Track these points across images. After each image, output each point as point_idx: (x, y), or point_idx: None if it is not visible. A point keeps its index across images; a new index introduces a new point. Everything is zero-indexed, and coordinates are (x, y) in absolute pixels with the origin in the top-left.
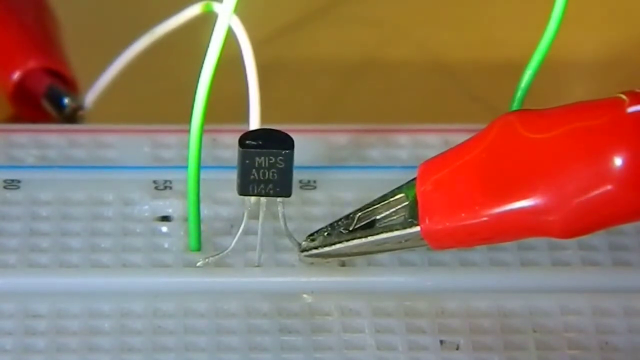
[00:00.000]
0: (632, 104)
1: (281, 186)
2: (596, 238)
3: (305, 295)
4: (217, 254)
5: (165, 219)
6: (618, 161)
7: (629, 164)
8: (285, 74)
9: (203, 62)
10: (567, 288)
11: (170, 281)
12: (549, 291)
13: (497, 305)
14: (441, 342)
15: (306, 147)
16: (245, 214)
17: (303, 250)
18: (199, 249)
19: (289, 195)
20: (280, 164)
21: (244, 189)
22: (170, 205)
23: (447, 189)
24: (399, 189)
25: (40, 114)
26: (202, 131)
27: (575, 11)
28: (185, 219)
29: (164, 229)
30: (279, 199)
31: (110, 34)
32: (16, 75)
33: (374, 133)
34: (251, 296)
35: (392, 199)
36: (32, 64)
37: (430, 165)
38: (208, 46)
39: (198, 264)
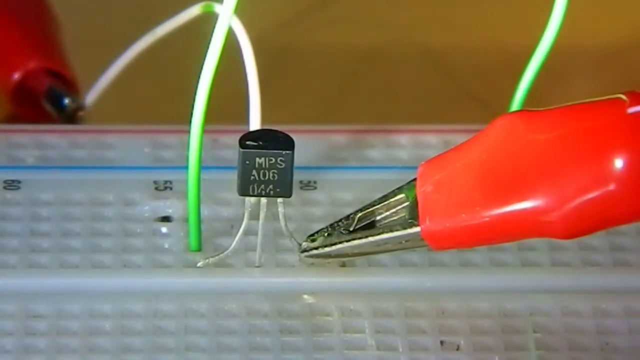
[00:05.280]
0: (632, 104)
1: (281, 187)
2: (596, 239)
3: (305, 296)
4: (218, 255)
5: (166, 219)
6: (619, 162)
7: (630, 164)
8: (285, 74)
9: (203, 62)
10: (567, 288)
11: (170, 282)
12: (550, 292)
13: (497, 305)
14: (441, 342)
15: (306, 147)
16: (246, 215)
17: (303, 251)
18: (199, 249)
19: (289, 195)
20: (281, 165)
21: (244, 190)
22: (170, 205)
23: (448, 190)
24: (399, 190)
25: (40, 114)
26: (203, 131)
27: (576, 10)
28: (186, 220)
29: (165, 229)
30: (279, 200)
31: (110, 34)
32: (17, 76)
33: (374, 133)
34: (252, 297)
35: (392, 200)
36: (32, 64)
37: (431, 165)
38: (208, 46)
39: (198, 264)
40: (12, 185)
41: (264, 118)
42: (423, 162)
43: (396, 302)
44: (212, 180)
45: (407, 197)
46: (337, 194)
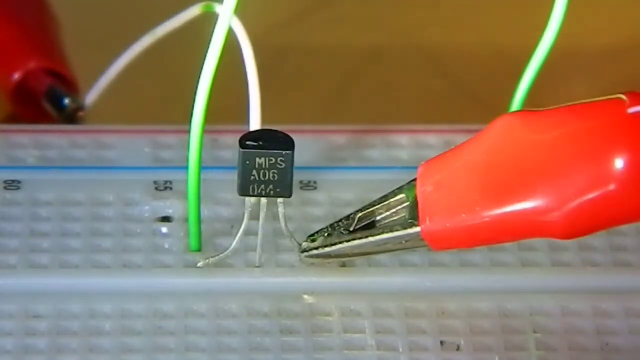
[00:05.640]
0: (632, 104)
1: (281, 187)
2: (596, 239)
3: (305, 296)
4: (218, 255)
5: (166, 219)
6: (619, 162)
7: (630, 164)
8: (285, 74)
9: (203, 62)
10: (567, 289)
11: (170, 282)
12: (550, 292)
13: (497, 305)
14: (441, 342)
15: (306, 147)
16: (246, 215)
17: (303, 251)
18: (199, 249)
19: (289, 195)
20: (281, 165)
21: (244, 190)
22: (170, 205)
23: (448, 190)
24: (399, 190)
25: (40, 114)
26: (203, 131)
27: (575, 10)
28: (186, 220)
29: (165, 229)
30: (279, 200)
31: (110, 34)
32: (17, 76)
33: (374, 133)
34: (252, 297)
35: (392, 200)
36: (32, 64)
37: (431, 165)
38: (208, 46)
39: (198, 264)
40: (12, 185)
41: (264, 118)
42: (423, 162)
43: (396, 302)
44: (212, 180)
45: (407, 197)
46: (337, 194)
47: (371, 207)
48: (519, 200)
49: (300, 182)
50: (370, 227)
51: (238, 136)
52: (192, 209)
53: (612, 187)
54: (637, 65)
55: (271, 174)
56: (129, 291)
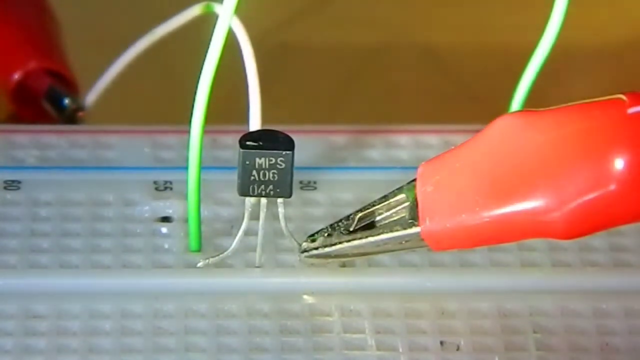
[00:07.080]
0: (632, 104)
1: (281, 187)
2: (596, 239)
3: (305, 296)
4: (218, 255)
5: (166, 219)
6: (619, 162)
7: (630, 164)
8: (285, 74)
9: (203, 62)
10: (567, 289)
11: (170, 282)
12: (550, 292)
13: (497, 306)
14: (441, 342)
15: (306, 147)
16: (246, 215)
17: (303, 251)
18: (199, 249)
19: (289, 196)
20: (281, 165)
21: (244, 190)
22: (170, 206)
23: (448, 190)
24: (399, 190)
25: (40, 114)
26: (203, 131)
27: (575, 10)
28: (186, 220)
29: (165, 229)
30: (279, 200)
31: (110, 34)
32: (17, 76)
33: (374, 133)
34: (252, 297)
35: (392, 200)
36: (32, 64)
37: (431, 166)
38: (208, 46)
39: (198, 264)
40: (12, 185)
41: (264, 118)
42: (423, 162)
43: (396, 302)
44: (212, 180)
45: (407, 197)
46: (337, 194)
47: (371, 208)
48: (519, 201)
49: (300, 182)
50: (370, 227)
51: (238, 136)
52: (192, 209)
53: (612, 187)
54: (637, 65)
55: (271, 174)
56: (129, 291)
